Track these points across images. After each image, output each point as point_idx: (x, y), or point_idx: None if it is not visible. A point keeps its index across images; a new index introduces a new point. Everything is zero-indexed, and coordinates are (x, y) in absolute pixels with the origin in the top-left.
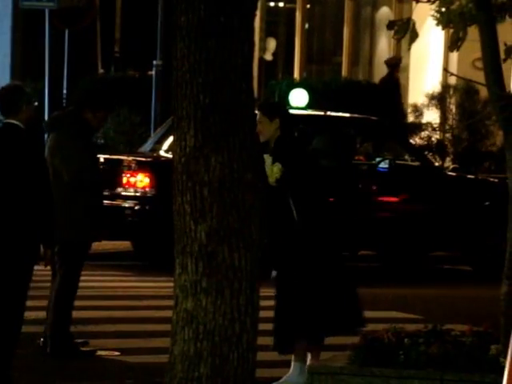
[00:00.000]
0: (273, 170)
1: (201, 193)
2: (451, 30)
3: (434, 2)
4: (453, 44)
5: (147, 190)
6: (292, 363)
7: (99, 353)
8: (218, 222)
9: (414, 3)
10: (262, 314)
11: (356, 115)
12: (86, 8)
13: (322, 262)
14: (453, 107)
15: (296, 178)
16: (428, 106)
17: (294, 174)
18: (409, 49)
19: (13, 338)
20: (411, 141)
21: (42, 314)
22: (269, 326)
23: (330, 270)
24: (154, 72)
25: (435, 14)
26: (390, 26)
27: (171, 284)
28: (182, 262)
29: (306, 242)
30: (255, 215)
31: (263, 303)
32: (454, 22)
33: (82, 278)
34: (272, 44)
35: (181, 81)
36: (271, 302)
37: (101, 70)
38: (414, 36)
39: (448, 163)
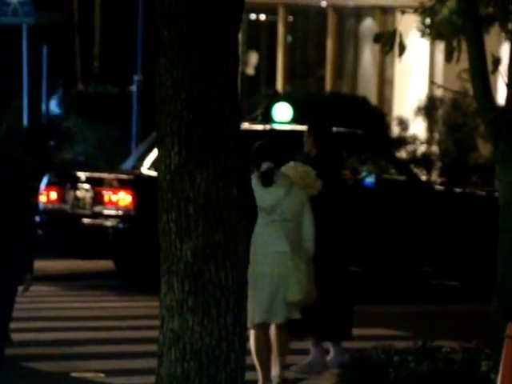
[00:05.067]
0: (315, 184)
1: (186, 210)
2: (439, 41)
3: (420, 14)
4: (448, 55)
5: (129, 208)
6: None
7: (85, 375)
8: (204, 239)
9: (398, 15)
10: None
11: (341, 129)
12: (65, 23)
13: (335, 271)
14: (440, 120)
15: (331, 194)
16: (414, 118)
17: (330, 190)
18: (399, 61)
19: None
20: (397, 154)
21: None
22: None
23: (339, 279)
24: (134, 87)
25: (420, 26)
26: (377, 38)
27: (155, 303)
28: (168, 281)
29: (331, 250)
30: (242, 232)
31: None
32: (443, 34)
33: (64, 298)
34: (254, 58)
35: (164, 97)
36: None
37: (80, 86)
38: (402, 48)
39: (435, 177)
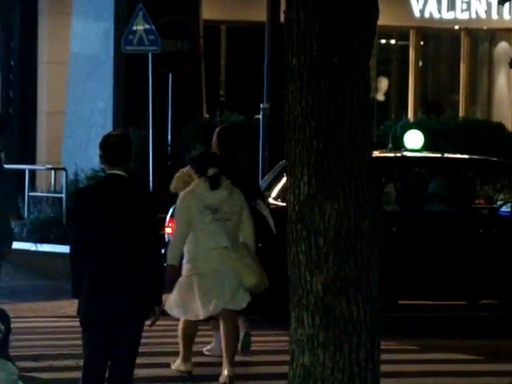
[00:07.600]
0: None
1: (316, 242)
2: None
3: None
4: None
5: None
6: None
7: None
8: (335, 272)
9: None
10: (383, 368)
11: (475, 157)
12: (190, 51)
13: None
14: None
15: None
16: None
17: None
18: None
19: None
20: None
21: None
22: (390, 382)
23: None
24: (261, 116)
25: None
26: None
27: (285, 338)
28: (298, 315)
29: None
30: (374, 265)
31: (384, 357)
32: None
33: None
34: (384, 83)
35: (293, 125)
36: (391, 356)
37: (206, 115)
38: None
39: None
